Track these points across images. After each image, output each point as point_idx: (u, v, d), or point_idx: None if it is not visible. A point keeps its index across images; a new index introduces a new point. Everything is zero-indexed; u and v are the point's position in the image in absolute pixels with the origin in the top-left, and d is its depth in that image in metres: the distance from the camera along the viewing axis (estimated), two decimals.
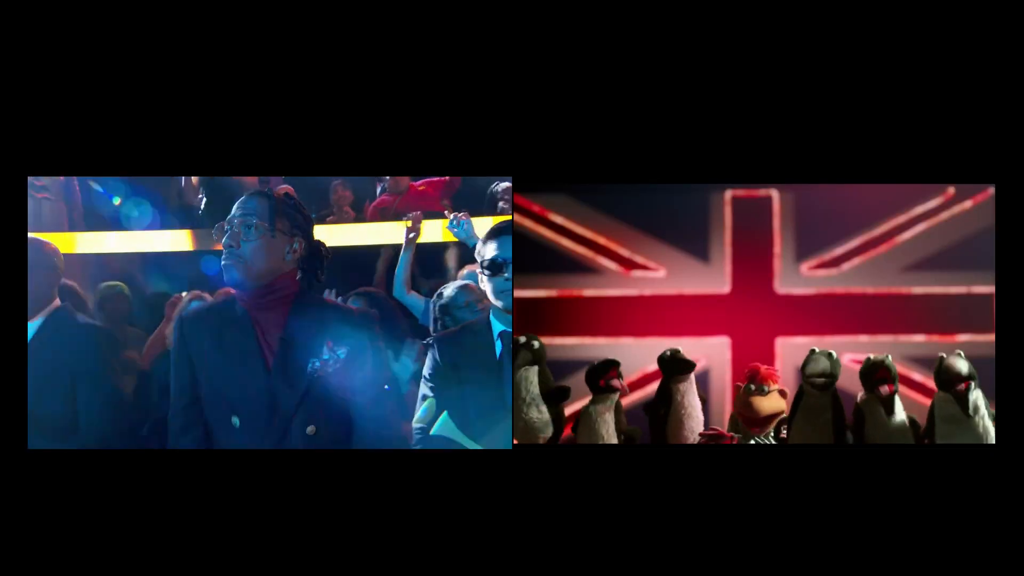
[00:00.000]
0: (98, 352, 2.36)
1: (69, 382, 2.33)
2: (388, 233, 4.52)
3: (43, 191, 5.12)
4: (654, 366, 3.22)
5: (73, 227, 5.28)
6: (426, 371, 2.20)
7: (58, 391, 2.31)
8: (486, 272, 2.15)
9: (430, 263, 4.57)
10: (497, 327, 2.19)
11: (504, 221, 2.31)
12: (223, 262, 1.90)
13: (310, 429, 1.89)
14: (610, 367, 2.62)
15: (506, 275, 2.13)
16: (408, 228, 3.81)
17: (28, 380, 2.31)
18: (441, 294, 2.88)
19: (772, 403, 2.56)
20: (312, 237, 2.00)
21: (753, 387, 2.59)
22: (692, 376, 2.65)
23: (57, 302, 2.44)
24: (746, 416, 2.60)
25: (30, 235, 2.52)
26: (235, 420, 1.89)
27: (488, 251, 2.16)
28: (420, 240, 3.85)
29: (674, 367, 2.63)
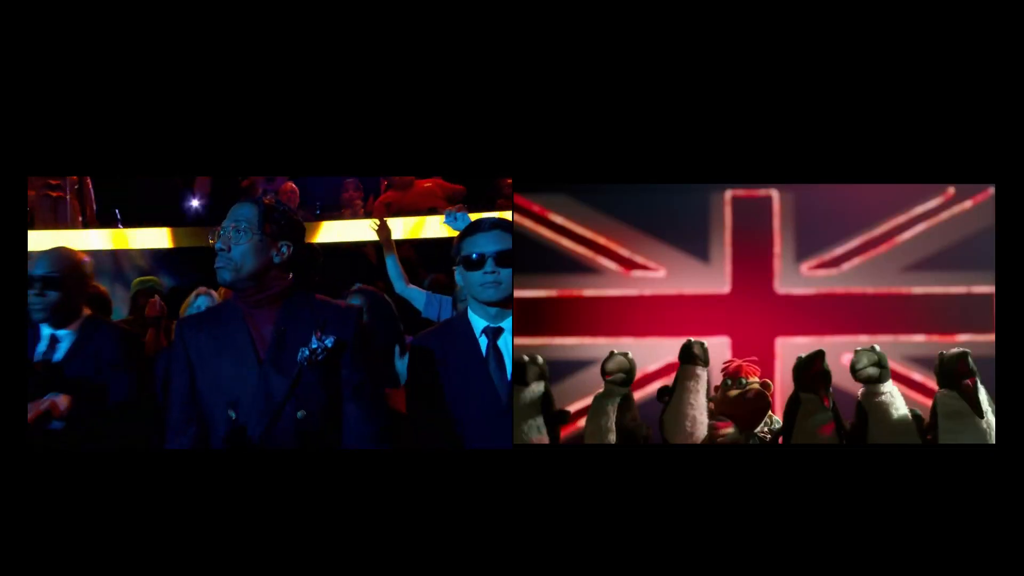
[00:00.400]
0: (128, 353, 2.57)
1: (103, 383, 2.51)
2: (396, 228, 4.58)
3: (58, 189, 5.30)
4: (654, 366, 3.23)
5: (86, 224, 5.49)
6: (409, 368, 2.26)
7: (94, 394, 2.48)
8: (462, 268, 2.19)
9: (432, 258, 4.61)
10: (479, 323, 2.20)
11: (482, 217, 2.34)
12: (216, 265, 2.05)
13: (300, 413, 2.02)
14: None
15: (485, 270, 2.16)
16: (378, 232, 3.86)
17: (64, 386, 2.46)
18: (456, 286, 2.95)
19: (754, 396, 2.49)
20: (303, 242, 2.14)
21: (731, 382, 2.51)
22: (704, 375, 2.62)
23: (87, 311, 2.60)
24: (728, 414, 2.51)
25: (63, 245, 2.67)
26: (231, 413, 2.03)
27: (465, 247, 2.19)
28: (399, 237, 3.91)
29: (685, 357, 2.62)
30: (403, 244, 4.73)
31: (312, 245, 2.20)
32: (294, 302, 2.09)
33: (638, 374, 3.29)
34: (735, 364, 2.54)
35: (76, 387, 2.44)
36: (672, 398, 2.60)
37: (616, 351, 2.69)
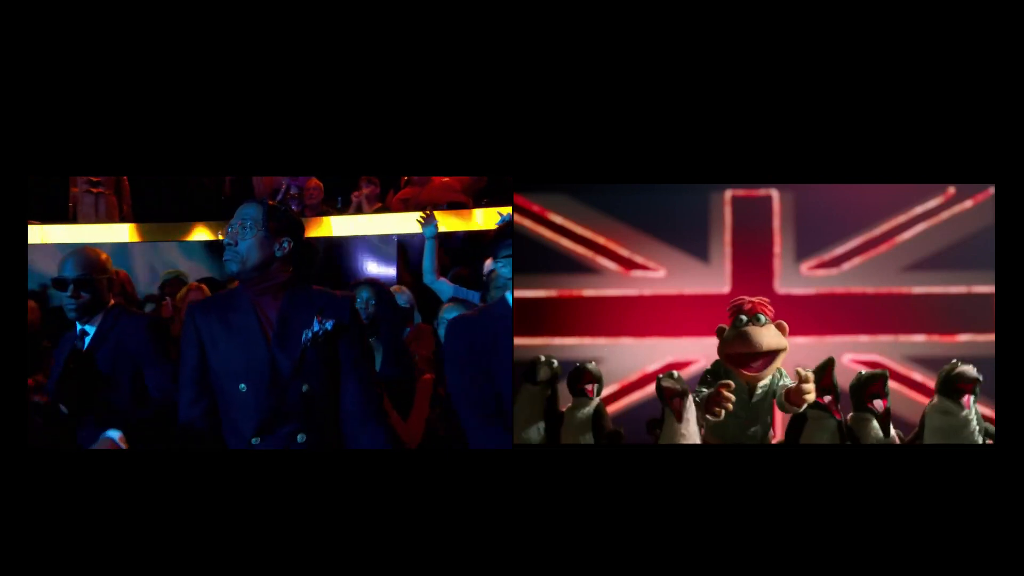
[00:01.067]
0: (156, 337, 2.71)
1: (133, 367, 2.65)
2: (407, 223, 4.68)
3: (99, 186, 5.53)
4: (654, 366, 3.23)
5: (124, 219, 5.83)
6: (444, 350, 2.32)
7: (124, 376, 2.64)
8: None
9: (452, 251, 4.68)
10: None
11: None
12: (224, 258, 2.27)
13: (305, 387, 2.23)
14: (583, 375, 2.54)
15: None
16: (423, 223, 3.95)
17: (92, 370, 2.63)
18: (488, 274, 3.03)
19: (772, 336, 2.28)
20: (302, 238, 2.34)
21: (745, 318, 2.28)
22: (689, 401, 2.47)
23: (112, 301, 2.73)
24: (740, 353, 2.26)
25: (88, 245, 2.81)
26: (242, 386, 2.23)
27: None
28: (440, 229, 4.05)
29: (660, 396, 2.46)
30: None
31: (310, 242, 2.34)
32: (295, 292, 2.29)
33: (638, 374, 3.29)
34: (749, 303, 2.33)
35: (103, 376, 2.63)
36: (662, 431, 2.51)
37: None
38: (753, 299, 2.32)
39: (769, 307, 2.31)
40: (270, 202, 2.33)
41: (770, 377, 2.33)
